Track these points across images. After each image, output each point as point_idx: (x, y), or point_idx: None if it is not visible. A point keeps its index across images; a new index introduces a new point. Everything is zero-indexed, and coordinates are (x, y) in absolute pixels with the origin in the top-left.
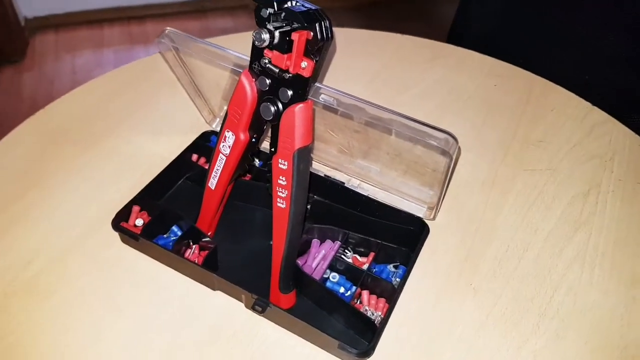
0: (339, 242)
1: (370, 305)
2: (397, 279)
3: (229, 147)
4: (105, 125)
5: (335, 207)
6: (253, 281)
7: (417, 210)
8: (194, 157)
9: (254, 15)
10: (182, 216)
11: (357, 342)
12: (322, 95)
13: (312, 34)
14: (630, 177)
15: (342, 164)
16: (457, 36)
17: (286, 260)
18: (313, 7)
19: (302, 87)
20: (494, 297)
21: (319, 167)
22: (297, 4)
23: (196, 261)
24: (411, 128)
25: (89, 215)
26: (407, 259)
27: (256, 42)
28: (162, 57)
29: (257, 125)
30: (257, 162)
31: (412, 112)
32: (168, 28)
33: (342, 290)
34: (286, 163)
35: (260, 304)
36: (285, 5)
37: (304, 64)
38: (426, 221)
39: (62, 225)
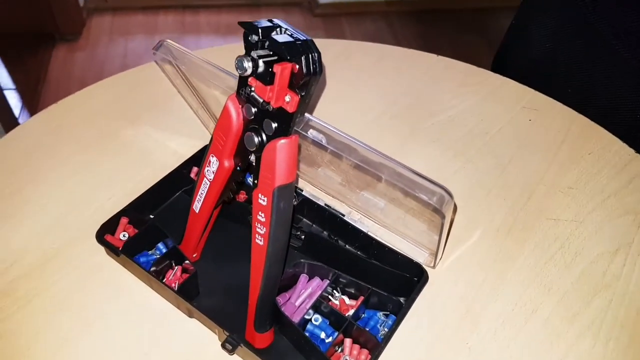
0: (327, 281)
1: (351, 356)
2: (386, 329)
3: (213, 172)
4: (110, 125)
5: (329, 242)
6: (234, 311)
7: (418, 254)
8: (195, 169)
9: (243, 38)
10: (166, 234)
11: None
12: (311, 131)
13: (297, 66)
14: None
15: (344, 194)
16: (502, 60)
17: (262, 299)
18: (302, 37)
19: (285, 122)
20: None
21: (320, 195)
22: (286, 32)
23: (175, 284)
24: (402, 177)
25: (79, 220)
26: (400, 308)
27: (238, 70)
28: (160, 68)
29: (242, 154)
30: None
31: (433, 141)
32: (166, 40)
33: (322, 335)
34: (266, 199)
35: (232, 342)
36: (273, 34)
37: (287, 97)
38: (426, 268)
39: (49, 228)
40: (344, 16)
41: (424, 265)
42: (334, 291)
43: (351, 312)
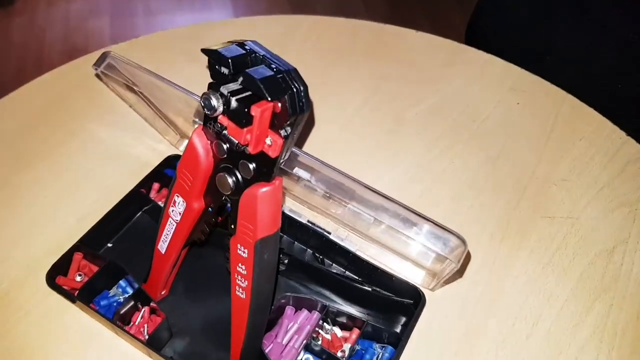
0: (317, 313)
1: None
2: None
3: (180, 213)
4: (55, 133)
5: (314, 266)
6: (213, 352)
7: (415, 274)
8: (156, 186)
9: (208, 65)
10: (127, 272)
11: None
12: (297, 170)
13: (280, 105)
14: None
15: (328, 207)
16: (475, 30)
17: (246, 351)
18: (284, 68)
19: (267, 166)
20: None
21: (301, 210)
22: (263, 61)
23: (144, 329)
24: (409, 223)
25: (27, 256)
26: (397, 338)
27: (205, 110)
28: (103, 83)
29: (214, 193)
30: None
31: (418, 133)
32: (111, 52)
33: None
34: (246, 251)
35: None
36: (247, 69)
37: (269, 140)
38: (422, 290)
39: None
40: None
41: (420, 288)
42: (324, 323)
43: (346, 346)
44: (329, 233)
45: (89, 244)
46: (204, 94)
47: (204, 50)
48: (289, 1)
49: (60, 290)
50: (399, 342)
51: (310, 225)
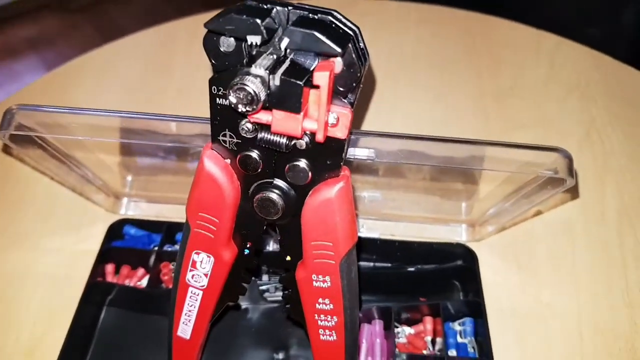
0: (379, 321)
1: None
2: (470, 338)
3: (206, 275)
4: None
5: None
6: None
7: (453, 233)
8: (109, 268)
9: (204, 46)
10: None
11: None
12: (356, 149)
13: (338, 63)
14: (616, 101)
15: None
16: None
17: None
18: (320, 10)
19: (332, 156)
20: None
21: None
22: (291, 11)
23: None
24: (507, 161)
25: None
26: (470, 306)
27: (241, 106)
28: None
29: (247, 228)
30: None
31: None
32: (18, 107)
33: None
34: (327, 279)
35: None
36: (290, 27)
37: (332, 117)
38: (469, 245)
39: None
40: None
41: (467, 244)
42: (394, 328)
43: (428, 338)
44: None
45: None
46: (232, 83)
47: (211, 24)
48: None
49: None
50: (474, 310)
51: None
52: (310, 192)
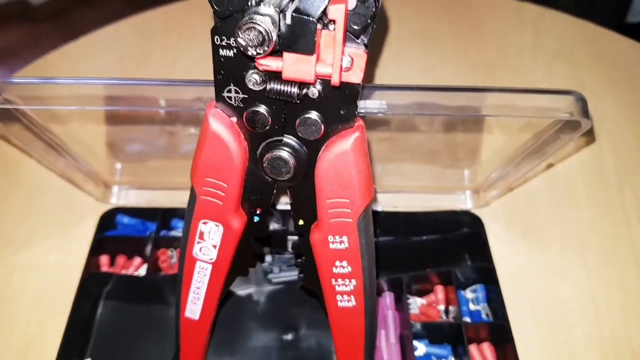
0: (389, 294)
1: None
2: (483, 304)
3: (215, 246)
4: None
5: None
6: None
7: (457, 201)
8: (104, 259)
9: None
10: None
11: None
12: (367, 102)
13: None
14: (603, 66)
15: None
16: None
17: None
18: None
19: (346, 103)
20: None
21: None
22: None
23: None
24: (520, 108)
25: None
26: (480, 273)
27: (249, 50)
28: None
29: (257, 192)
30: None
31: None
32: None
33: None
34: (344, 239)
35: None
36: None
37: (346, 60)
38: (475, 212)
39: None
40: None
41: (472, 211)
42: (406, 299)
43: (441, 307)
44: None
45: None
46: (241, 23)
47: None
48: None
49: None
50: (485, 276)
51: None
52: (324, 146)
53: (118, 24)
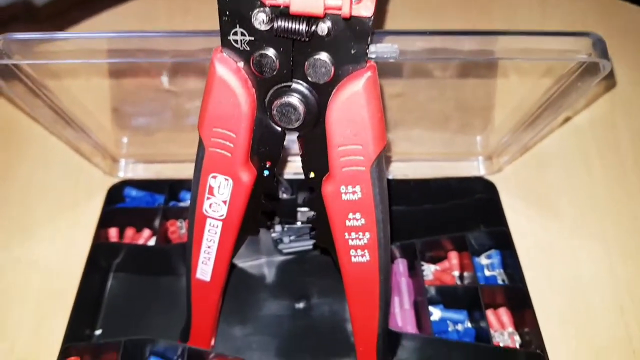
0: (402, 260)
1: (505, 327)
2: (499, 270)
3: (225, 202)
4: None
5: None
6: None
7: (470, 168)
8: (112, 232)
9: None
10: (154, 340)
11: None
12: (377, 46)
13: None
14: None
15: None
16: None
17: (383, 336)
18: None
19: (357, 41)
20: None
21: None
22: None
23: None
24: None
25: None
26: (494, 238)
27: None
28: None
29: (265, 144)
30: None
31: None
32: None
33: (451, 328)
34: (357, 189)
35: None
36: None
37: None
38: (489, 179)
39: None
40: None
41: (487, 177)
42: (420, 266)
43: (455, 273)
44: None
45: (76, 341)
46: None
47: None
48: None
49: None
50: (500, 242)
51: None
52: (334, 90)
53: (122, 7)
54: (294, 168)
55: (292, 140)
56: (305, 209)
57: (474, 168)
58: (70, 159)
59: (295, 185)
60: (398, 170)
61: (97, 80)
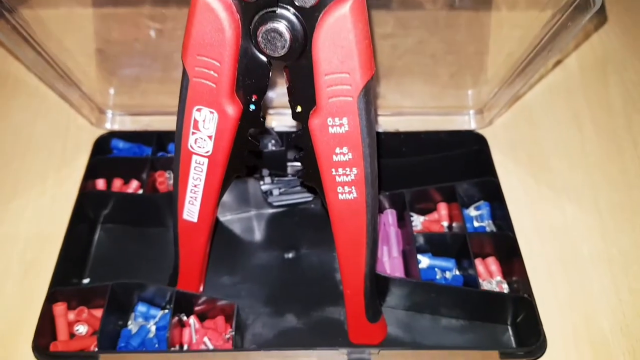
0: (391, 211)
1: (495, 276)
2: (488, 221)
3: (210, 137)
4: None
5: None
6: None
7: (461, 122)
8: (100, 183)
9: None
10: (143, 284)
11: (520, 338)
12: None
13: None
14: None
15: None
16: None
17: (370, 277)
18: None
19: None
20: None
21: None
22: None
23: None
24: None
25: None
26: (485, 191)
27: None
28: None
29: (251, 75)
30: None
31: None
32: None
33: (439, 276)
34: (344, 121)
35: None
36: None
37: None
38: (480, 132)
39: None
40: None
41: (477, 131)
42: (409, 217)
43: (444, 223)
44: None
45: (62, 289)
46: None
47: None
48: None
49: (64, 357)
50: (489, 193)
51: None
52: (321, 14)
53: None
54: (280, 119)
55: (282, 94)
56: (296, 163)
57: (465, 122)
58: (60, 110)
59: (284, 137)
60: (389, 124)
61: (81, 22)
